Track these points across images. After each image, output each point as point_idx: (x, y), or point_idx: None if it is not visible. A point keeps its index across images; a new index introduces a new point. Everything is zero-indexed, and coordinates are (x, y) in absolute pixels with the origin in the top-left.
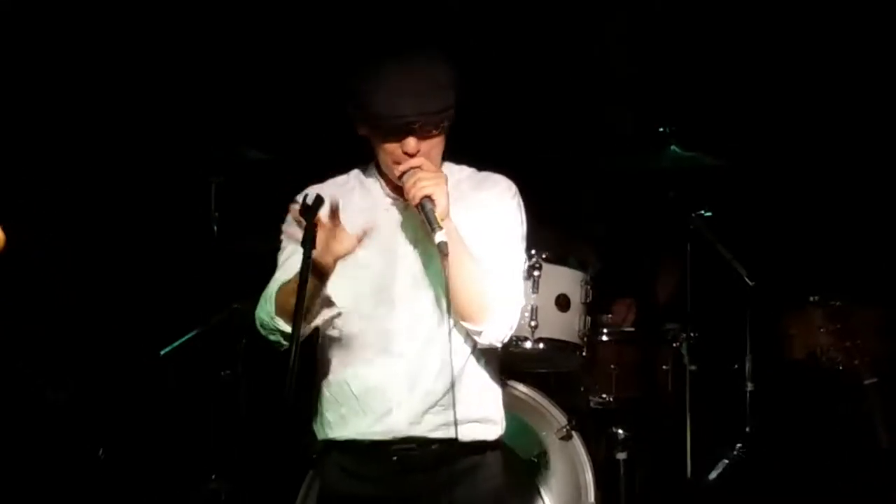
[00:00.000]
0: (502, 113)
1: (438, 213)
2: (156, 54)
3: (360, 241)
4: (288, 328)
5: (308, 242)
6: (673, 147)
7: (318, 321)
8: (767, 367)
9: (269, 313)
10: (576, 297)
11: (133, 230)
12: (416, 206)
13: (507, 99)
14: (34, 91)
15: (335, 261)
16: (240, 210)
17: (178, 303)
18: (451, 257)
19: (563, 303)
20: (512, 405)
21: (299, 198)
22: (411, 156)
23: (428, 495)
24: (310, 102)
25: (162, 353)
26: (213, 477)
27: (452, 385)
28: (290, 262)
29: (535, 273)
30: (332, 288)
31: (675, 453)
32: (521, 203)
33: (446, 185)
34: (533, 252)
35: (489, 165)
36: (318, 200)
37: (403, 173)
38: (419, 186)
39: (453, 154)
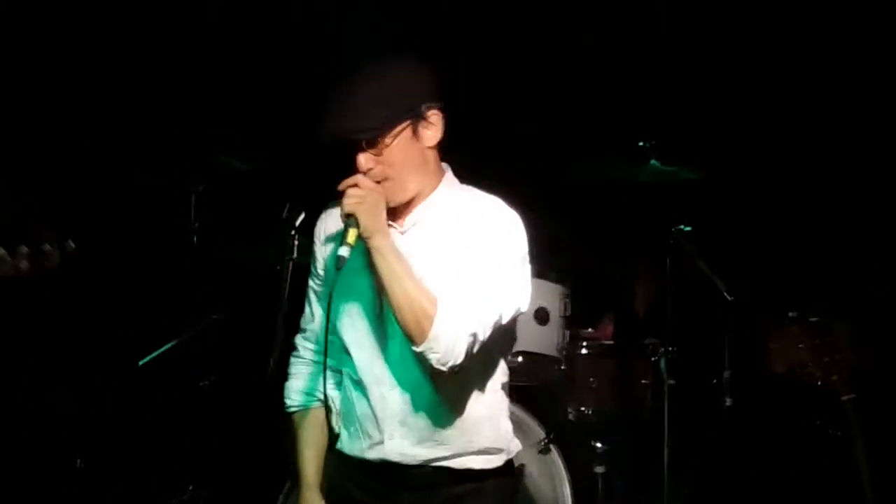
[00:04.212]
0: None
1: (361, 230)
2: (139, 62)
3: None
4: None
5: (288, 252)
6: (653, 161)
7: None
8: (746, 382)
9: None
10: (555, 310)
11: (113, 239)
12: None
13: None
14: (9, 93)
15: None
16: (220, 219)
17: (156, 313)
18: (385, 275)
19: (542, 316)
20: None
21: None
22: (364, 172)
23: None
24: (293, 112)
25: (140, 363)
26: (191, 487)
27: (446, 420)
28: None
29: None
30: (335, 319)
31: (652, 467)
32: (516, 232)
33: (375, 203)
34: None
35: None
36: (297, 211)
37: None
38: (345, 203)
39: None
